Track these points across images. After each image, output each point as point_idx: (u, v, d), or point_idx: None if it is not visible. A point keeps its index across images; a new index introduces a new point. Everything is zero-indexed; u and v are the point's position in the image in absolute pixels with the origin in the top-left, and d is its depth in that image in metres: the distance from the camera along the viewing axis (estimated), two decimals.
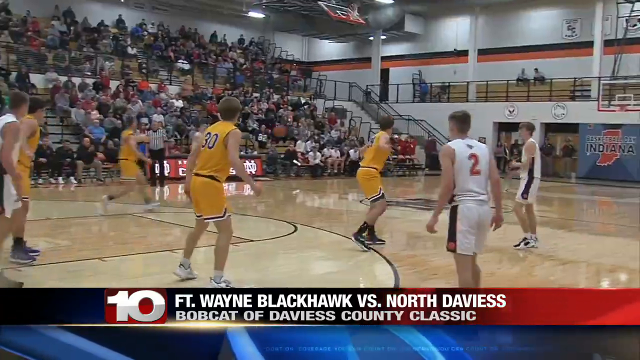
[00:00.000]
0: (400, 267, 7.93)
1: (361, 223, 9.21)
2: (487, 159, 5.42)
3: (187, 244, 7.01)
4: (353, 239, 9.18)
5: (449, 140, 5.62)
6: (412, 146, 30.66)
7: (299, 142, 26.12)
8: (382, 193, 9.40)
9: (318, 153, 25.82)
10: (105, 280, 7.14)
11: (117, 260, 8.02)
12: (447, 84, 33.87)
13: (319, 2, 29.23)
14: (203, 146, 6.59)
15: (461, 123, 5.62)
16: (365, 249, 9.04)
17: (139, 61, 29.47)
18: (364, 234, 9.25)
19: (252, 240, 9.65)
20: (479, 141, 5.69)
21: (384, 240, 9.70)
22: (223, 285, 6.43)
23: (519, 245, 9.37)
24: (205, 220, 6.70)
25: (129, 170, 12.25)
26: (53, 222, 11.18)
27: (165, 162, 19.93)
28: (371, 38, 36.33)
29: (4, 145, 5.94)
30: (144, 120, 21.43)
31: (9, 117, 6.24)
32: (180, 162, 21.18)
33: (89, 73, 26.10)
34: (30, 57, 25.55)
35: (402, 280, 7.24)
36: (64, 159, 18.91)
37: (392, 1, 32.08)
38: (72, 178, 18.85)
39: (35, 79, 23.90)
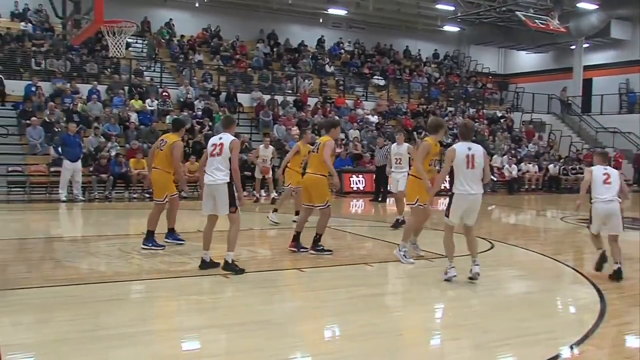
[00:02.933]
0: (606, 290, 7.42)
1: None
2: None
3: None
4: (312, 252, 9.24)
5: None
6: (619, 160, 28.62)
7: (495, 156, 25.47)
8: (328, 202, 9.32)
9: (514, 167, 25.00)
10: (298, 291, 7.46)
11: (314, 271, 8.30)
12: None
13: (517, 13, 28.35)
14: None
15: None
16: (328, 253, 9.24)
17: (336, 78, 30.49)
18: (319, 244, 9.35)
19: (445, 256, 9.54)
20: None
21: (330, 250, 9.36)
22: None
23: None
24: None
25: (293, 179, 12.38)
26: (254, 232, 11.86)
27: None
28: (572, 47, 34.49)
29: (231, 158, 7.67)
30: (341, 135, 22.07)
31: (230, 136, 7.86)
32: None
33: (289, 91, 27.48)
34: (238, 78, 27.42)
35: (609, 305, 6.76)
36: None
37: (597, 6, 30.23)
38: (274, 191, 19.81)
39: (242, 98, 25.62)
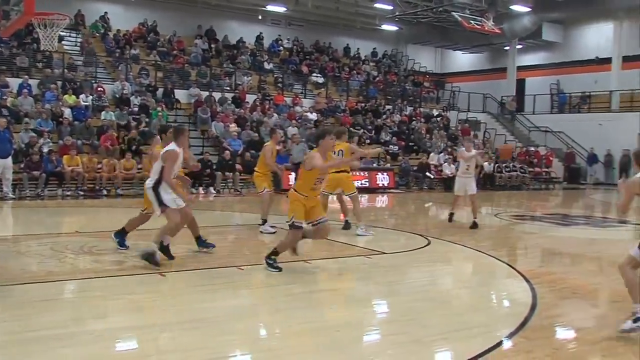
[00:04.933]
0: (538, 284, 7.64)
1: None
2: None
3: None
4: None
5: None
6: (549, 159, 29.52)
7: (432, 154, 25.89)
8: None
9: (452, 165, 25.43)
10: (236, 289, 7.42)
11: (252, 269, 8.27)
12: (588, 93, 32.37)
13: (453, 13, 28.88)
14: None
15: None
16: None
17: (275, 76, 30.44)
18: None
19: (384, 253, 9.67)
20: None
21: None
22: None
23: None
24: None
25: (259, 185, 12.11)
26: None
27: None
28: (506, 48, 35.38)
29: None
30: (295, 133, 22.08)
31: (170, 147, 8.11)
32: None
33: (228, 88, 27.27)
34: (175, 74, 27.06)
35: (540, 298, 6.97)
36: (204, 170, 19.75)
37: (529, 9, 31.08)
38: (211, 188, 19.69)
39: (180, 94, 25.30)
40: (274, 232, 11.10)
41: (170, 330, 5.64)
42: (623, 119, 29.00)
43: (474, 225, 12.78)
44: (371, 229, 11.82)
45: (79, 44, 27.30)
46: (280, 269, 7.89)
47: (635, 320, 5.45)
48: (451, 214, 13.49)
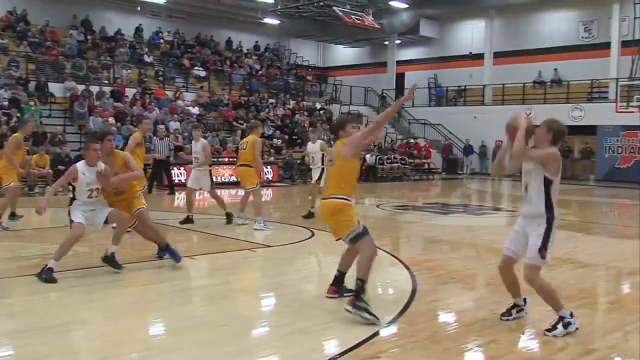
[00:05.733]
0: (417, 271, 7.91)
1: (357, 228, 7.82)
2: None
3: None
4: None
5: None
6: (429, 150, 30.59)
7: None
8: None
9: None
10: (118, 287, 7.20)
11: (134, 267, 8.05)
12: (463, 87, 33.83)
13: (334, 8, 29.26)
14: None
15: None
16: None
17: (156, 69, 29.70)
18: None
19: (268, 246, 9.68)
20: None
21: None
22: None
23: None
24: None
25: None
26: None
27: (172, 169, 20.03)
28: (386, 42, 36.33)
29: None
30: (161, 127, 21.50)
31: None
32: None
33: (106, 81, 26.34)
34: (49, 66, 25.83)
35: (420, 285, 7.23)
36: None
37: (407, 5, 32.05)
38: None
39: (54, 87, 24.17)
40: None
41: (49, 333, 5.37)
42: (495, 112, 30.48)
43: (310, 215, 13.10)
44: (270, 224, 11.80)
45: None
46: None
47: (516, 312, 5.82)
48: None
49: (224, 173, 21.92)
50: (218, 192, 12.88)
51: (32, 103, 21.75)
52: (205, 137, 18.60)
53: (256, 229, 11.26)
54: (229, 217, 12.00)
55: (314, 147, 13.52)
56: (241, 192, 12.78)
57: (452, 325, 5.90)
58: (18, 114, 20.65)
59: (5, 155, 11.11)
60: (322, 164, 13.35)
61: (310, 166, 13.91)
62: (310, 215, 13.03)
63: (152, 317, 6.14)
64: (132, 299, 6.80)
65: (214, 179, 13.79)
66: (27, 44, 26.53)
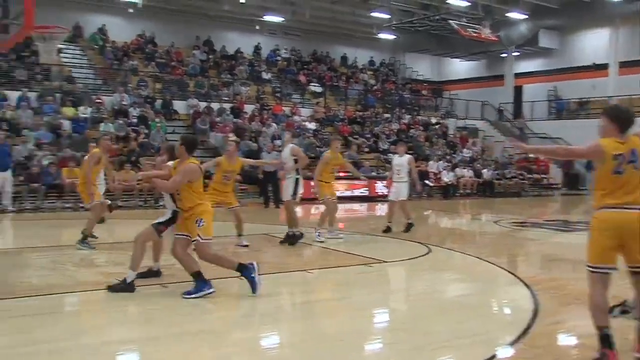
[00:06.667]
0: (539, 290, 7.63)
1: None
2: None
3: None
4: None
5: None
6: (547, 165, 29.57)
7: (430, 162, 25.92)
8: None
9: (450, 173, 25.48)
10: (236, 299, 7.38)
11: None
12: (586, 99, 32.43)
13: (450, 21, 28.97)
14: None
15: None
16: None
17: (273, 85, 30.50)
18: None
19: (384, 261, 9.66)
20: None
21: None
22: None
23: None
24: None
25: None
26: None
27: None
28: (504, 55, 35.51)
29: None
30: (278, 142, 22.04)
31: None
32: (312, 183, 21.55)
33: (226, 98, 27.33)
34: (174, 85, 27.11)
35: (542, 305, 6.96)
36: (204, 180, 19.69)
37: (526, 16, 31.22)
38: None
39: (178, 105, 25.34)
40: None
41: (169, 342, 5.60)
42: None
43: (409, 226, 13.19)
44: (384, 239, 11.81)
45: (77, 56, 27.40)
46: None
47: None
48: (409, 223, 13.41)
49: (338, 187, 22.07)
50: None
51: (158, 120, 22.89)
52: (321, 152, 18.84)
53: (316, 240, 11.36)
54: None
55: (400, 161, 13.39)
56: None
57: (576, 349, 5.65)
58: (145, 131, 21.80)
59: (83, 173, 11.09)
60: (409, 178, 13.31)
61: (394, 180, 13.59)
62: (388, 230, 13.06)
63: (270, 328, 6.25)
64: (249, 310, 6.96)
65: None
66: (154, 65, 28.02)
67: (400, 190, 13.34)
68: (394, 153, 15.23)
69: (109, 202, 12.33)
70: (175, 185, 7.14)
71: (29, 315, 6.31)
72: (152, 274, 7.91)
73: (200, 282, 7.06)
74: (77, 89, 24.10)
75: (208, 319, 6.40)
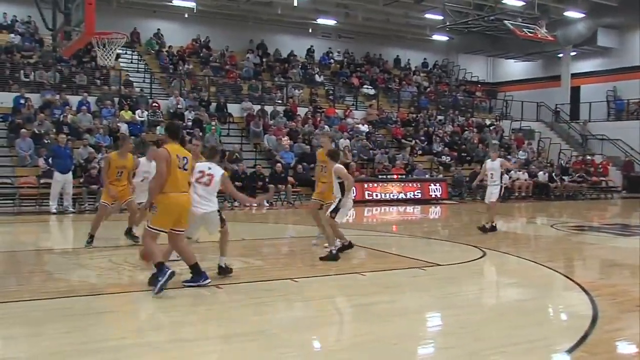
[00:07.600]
0: (598, 296, 7.45)
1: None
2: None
3: None
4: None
5: None
6: (606, 167, 28.83)
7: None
8: None
9: (505, 175, 25.04)
10: (291, 301, 7.44)
11: (306, 282, 8.29)
12: None
13: (505, 22, 28.54)
14: None
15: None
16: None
17: (326, 88, 30.58)
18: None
19: (438, 265, 9.58)
20: None
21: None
22: None
23: None
24: None
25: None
26: (247, 242, 11.84)
27: None
28: (560, 55, 34.77)
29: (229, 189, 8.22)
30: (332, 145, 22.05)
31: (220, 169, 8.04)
32: (366, 185, 21.60)
33: (279, 101, 27.52)
34: (228, 88, 27.44)
35: (601, 311, 6.79)
36: (257, 183, 19.91)
37: (584, 15, 30.52)
38: (264, 201, 19.81)
39: (232, 108, 25.65)
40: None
41: (226, 342, 5.71)
42: None
43: (492, 229, 13.47)
44: (439, 242, 11.73)
45: (134, 61, 28.04)
46: None
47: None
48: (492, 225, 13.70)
49: (392, 190, 22.02)
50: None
51: (212, 123, 23.20)
52: (374, 155, 18.79)
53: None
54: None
55: (493, 165, 13.59)
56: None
57: (636, 358, 5.50)
58: (200, 133, 22.11)
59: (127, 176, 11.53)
60: (502, 182, 13.35)
61: (488, 183, 13.89)
62: (485, 230, 13.31)
63: (323, 331, 6.25)
64: (303, 312, 7.00)
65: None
66: (209, 68, 28.43)
67: (491, 192, 13.74)
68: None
69: None
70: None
71: (90, 314, 6.49)
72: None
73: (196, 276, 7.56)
74: (134, 93, 24.62)
75: (264, 320, 6.45)
